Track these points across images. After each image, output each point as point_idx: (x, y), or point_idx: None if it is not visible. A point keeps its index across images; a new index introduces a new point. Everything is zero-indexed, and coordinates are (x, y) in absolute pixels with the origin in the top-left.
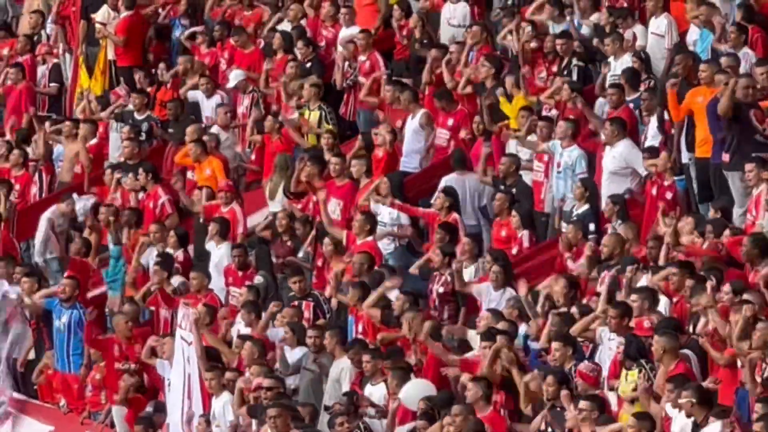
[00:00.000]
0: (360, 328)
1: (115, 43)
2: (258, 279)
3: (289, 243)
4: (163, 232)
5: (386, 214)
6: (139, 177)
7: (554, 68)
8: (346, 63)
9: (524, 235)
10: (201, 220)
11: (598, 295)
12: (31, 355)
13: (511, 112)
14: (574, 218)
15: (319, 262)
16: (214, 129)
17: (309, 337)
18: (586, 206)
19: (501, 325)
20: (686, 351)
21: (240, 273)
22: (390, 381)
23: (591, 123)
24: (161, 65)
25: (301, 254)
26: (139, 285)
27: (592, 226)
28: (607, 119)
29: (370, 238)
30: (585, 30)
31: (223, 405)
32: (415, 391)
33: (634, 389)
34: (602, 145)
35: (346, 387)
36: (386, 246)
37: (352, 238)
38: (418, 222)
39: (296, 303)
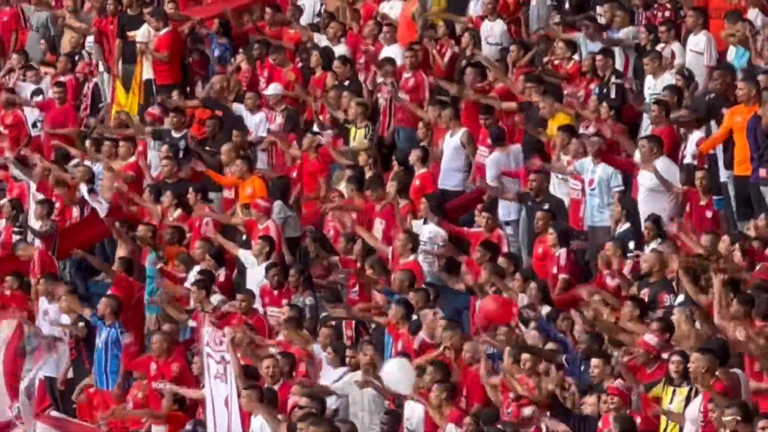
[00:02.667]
0: (399, 347)
1: (159, 60)
2: (310, 300)
3: (325, 264)
4: (204, 251)
5: (426, 233)
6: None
7: (592, 86)
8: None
9: (561, 253)
10: (243, 238)
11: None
12: (69, 374)
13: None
14: (616, 237)
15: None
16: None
17: (347, 357)
18: (626, 225)
19: (549, 345)
20: (736, 370)
21: (276, 292)
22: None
23: (624, 147)
24: (198, 83)
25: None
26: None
27: (631, 245)
28: (643, 137)
29: (412, 257)
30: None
31: (261, 424)
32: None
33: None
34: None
35: (386, 403)
36: (425, 265)
37: (396, 256)
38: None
39: (333, 323)
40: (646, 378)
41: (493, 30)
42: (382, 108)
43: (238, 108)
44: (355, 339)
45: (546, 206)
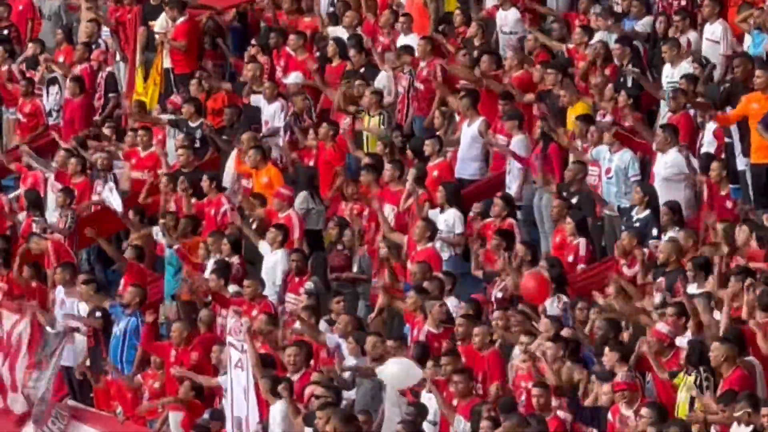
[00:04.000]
0: (416, 334)
1: (177, 49)
2: (308, 285)
3: (345, 252)
4: (219, 241)
5: (442, 221)
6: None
7: (606, 71)
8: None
9: (581, 242)
10: (254, 225)
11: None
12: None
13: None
14: (636, 224)
15: (377, 269)
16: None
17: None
18: (647, 211)
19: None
20: (751, 358)
21: (297, 279)
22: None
23: (642, 135)
24: (216, 71)
25: (355, 268)
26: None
27: (654, 231)
28: (660, 126)
29: (430, 245)
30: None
31: (278, 413)
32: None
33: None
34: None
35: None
36: (441, 253)
37: (412, 244)
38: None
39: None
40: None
41: (507, 19)
42: (400, 97)
43: (256, 99)
44: None
45: (575, 198)
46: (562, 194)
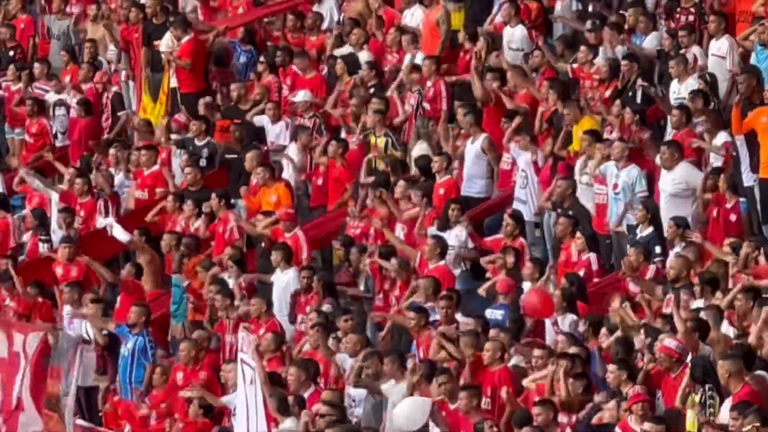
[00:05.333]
0: (421, 354)
1: (182, 67)
2: (327, 307)
3: (350, 270)
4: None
5: (453, 237)
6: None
7: (607, 93)
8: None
9: (591, 257)
10: (263, 245)
11: (663, 316)
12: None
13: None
14: (639, 241)
15: (386, 286)
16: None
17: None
18: (649, 229)
19: (572, 350)
20: (762, 372)
21: (303, 298)
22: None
23: (648, 151)
24: (222, 91)
25: (362, 286)
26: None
27: (657, 249)
28: (663, 143)
29: (441, 262)
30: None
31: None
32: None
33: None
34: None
35: None
36: (453, 270)
37: (424, 263)
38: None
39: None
40: (671, 383)
41: (514, 35)
42: (408, 116)
43: (259, 119)
44: None
45: (569, 213)
46: (556, 211)
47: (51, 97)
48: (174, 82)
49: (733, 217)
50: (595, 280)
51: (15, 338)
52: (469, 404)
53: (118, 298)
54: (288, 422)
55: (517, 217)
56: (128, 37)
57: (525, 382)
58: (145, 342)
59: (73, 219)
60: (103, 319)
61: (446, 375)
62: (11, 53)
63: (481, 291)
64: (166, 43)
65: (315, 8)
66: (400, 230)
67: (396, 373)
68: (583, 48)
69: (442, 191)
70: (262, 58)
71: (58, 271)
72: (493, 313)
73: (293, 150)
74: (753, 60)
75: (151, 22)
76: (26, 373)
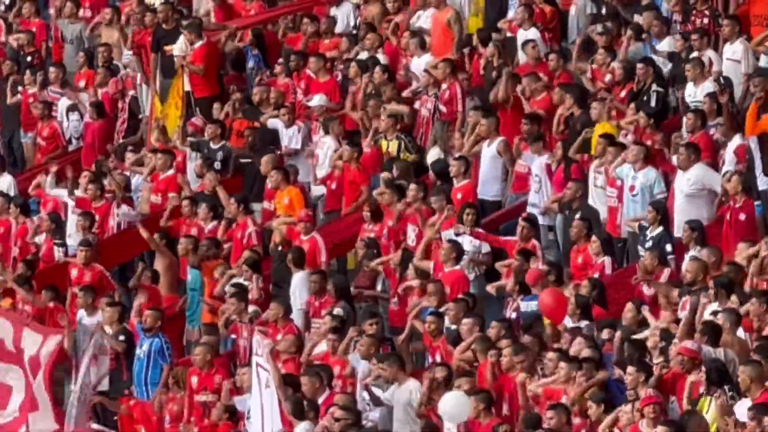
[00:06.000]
0: (438, 359)
1: (195, 72)
2: (338, 310)
3: (370, 272)
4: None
5: (468, 242)
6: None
7: (621, 94)
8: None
9: (606, 261)
10: (279, 248)
11: (677, 322)
12: (105, 386)
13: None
14: (650, 242)
15: (401, 289)
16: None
17: (379, 369)
18: (659, 228)
19: (586, 353)
20: None
21: (316, 302)
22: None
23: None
24: (237, 95)
25: (379, 287)
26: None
27: (668, 247)
28: (681, 144)
29: (457, 267)
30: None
31: None
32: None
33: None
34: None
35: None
36: (468, 274)
37: (439, 266)
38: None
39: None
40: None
41: (528, 38)
42: (424, 119)
43: (273, 122)
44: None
45: (577, 215)
46: (565, 213)
47: (63, 103)
48: (187, 86)
49: (742, 217)
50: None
51: (30, 338)
52: (477, 408)
53: (135, 303)
54: (303, 426)
55: (531, 220)
56: (141, 41)
57: (531, 387)
58: (161, 343)
59: (92, 223)
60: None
61: (466, 378)
62: (29, 58)
63: (490, 288)
64: (179, 47)
65: (333, 11)
66: (411, 231)
67: (398, 374)
68: (600, 51)
69: (459, 195)
70: (280, 60)
71: (73, 273)
72: (528, 305)
73: (329, 141)
74: (762, 62)
75: (162, 27)
76: (43, 373)
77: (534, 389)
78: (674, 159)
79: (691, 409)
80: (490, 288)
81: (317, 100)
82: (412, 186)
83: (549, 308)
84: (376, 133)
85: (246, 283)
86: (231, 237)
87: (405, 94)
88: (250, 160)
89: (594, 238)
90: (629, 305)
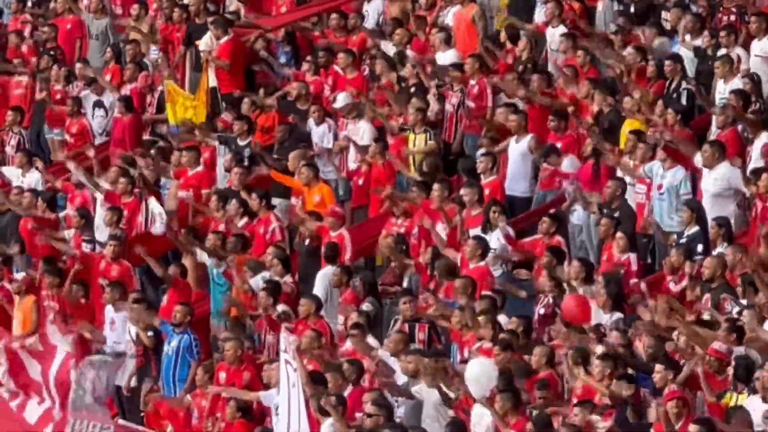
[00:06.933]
0: (465, 354)
1: (221, 68)
2: (367, 306)
3: (397, 269)
4: (275, 257)
5: (494, 238)
6: (252, 202)
7: (652, 90)
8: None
9: (631, 257)
10: (306, 243)
11: (698, 321)
12: (134, 382)
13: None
14: (684, 240)
15: (431, 286)
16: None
17: (405, 362)
18: (695, 228)
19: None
20: None
21: (341, 297)
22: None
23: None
24: (262, 91)
25: (405, 283)
26: (245, 308)
27: (699, 248)
28: (706, 142)
29: (482, 263)
30: (686, 53)
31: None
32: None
33: None
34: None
35: (450, 411)
36: (493, 271)
37: (465, 262)
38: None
39: (406, 327)
40: (717, 386)
41: (556, 36)
42: (449, 115)
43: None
44: (427, 342)
45: (616, 214)
46: (603, 212)
47: (89, 99)
48: (213, 82)
49: None
50: (632, 281)
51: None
52: (505, 406)
53: (164, 297)
54: (329, 422)
55: (553, 216)
56: (169, 36)
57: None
58: (190, 340)
59: (120, 218)
60: (149, 316)
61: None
62: (51, 53)
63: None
64: (205, 41)
65: (365, 6)
66: (441, 228)
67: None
68: (630, 48)
69: (487, 192)
70: (309, 58)
71: (102, 265)
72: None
73: (364, 125)
74: None
75: (194, 23)
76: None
77: (572, 382)
78: (697, 158)
79: (735, 405)
80: (521, 293)
81: (342, 99)
82: (436, 185)
83: (572, 313)
84: (404, 124)
85: (277, 278)
86: (252, 232)
87: (431, 92)
88: (278, 156)
89: (620, 234)
90: (660, 300)
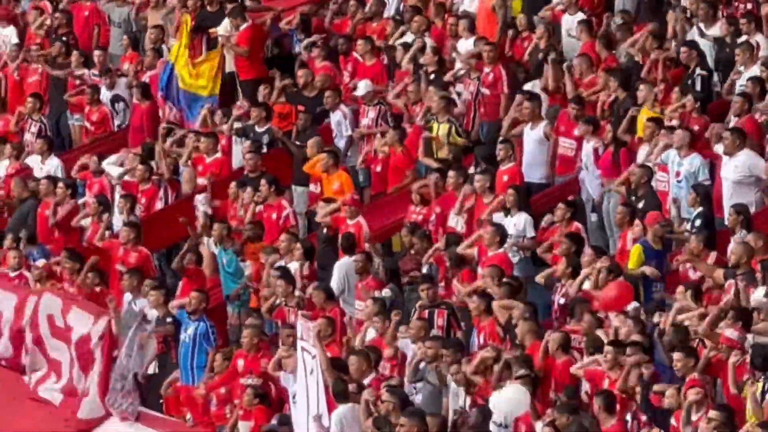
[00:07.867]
0: (481, 340)
1: (240, 54)
2: (386, 292)
3: (417, 257)
4: (291, 243)
5: (512, 226)
6: (261, 188)
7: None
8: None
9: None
10: (324, 231)
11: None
12: (153, 369)
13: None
14: (696, 221)
15: (449, 273)
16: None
17: (425, 348)
18: (700, 208)
19: (636, 337)
20: None
21: (360, 284)
22: None
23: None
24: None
25: (425, 269)
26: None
27: (698, 222)
28: (726, 129)
29: (501, 250)
30: (704, 42)
31: (344, 416)
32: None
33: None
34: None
35: (468, 399)
36: (512, 258)
37: (483, 249)
38: None
39: (425, 313)
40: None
41: (573, 23)
42: (466, 102)
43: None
44: (446, 329)
45: (642, 201)
46: (631, 199)
47: (106, 94)
48: (231, 67)
49: None
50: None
51: (79, 316)
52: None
53: (180, 284)
54: (342, 407)
55: (569, 202)
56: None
57: (572, 369)
58: (206, 327)
59: (133, 205)
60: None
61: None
62: (63, 38)
63: (539, 278)
64: (224, 27)
65: None
66: (458, 218)
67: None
68: (647, 35)
69: (506, 178)
70: (318, 43)
71: (120, 251)
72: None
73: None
74: None
75: (205, 10)
76: (102, 357)
77: (575, 372)
78: (717, 147)
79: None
80: (539, 277)
81: (363, 88)
82: (451, 172)
83: (610, 301)
84: (428, 112)
85: (289, 266)
86: (264, 218)
87: (447, 77)
88: (297, 143)
89: (636, 222)
90: (680, 288)
